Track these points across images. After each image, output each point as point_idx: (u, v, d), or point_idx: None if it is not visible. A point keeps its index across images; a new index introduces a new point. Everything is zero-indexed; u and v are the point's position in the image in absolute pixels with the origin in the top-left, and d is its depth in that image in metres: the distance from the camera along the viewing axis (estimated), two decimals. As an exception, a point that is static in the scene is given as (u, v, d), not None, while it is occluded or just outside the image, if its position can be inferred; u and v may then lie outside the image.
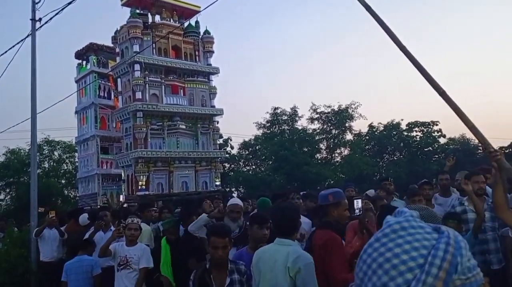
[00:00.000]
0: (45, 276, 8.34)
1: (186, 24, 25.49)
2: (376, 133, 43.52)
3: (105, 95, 26.63)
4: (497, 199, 3.14)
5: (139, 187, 21.57)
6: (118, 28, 24.46)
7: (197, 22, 26.10)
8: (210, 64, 25.73)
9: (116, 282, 5.20)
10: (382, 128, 43.65)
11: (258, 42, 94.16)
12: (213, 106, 25.37)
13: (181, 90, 24.12)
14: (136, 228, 5.30)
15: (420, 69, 3.76)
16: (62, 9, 11.19)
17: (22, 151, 34.82)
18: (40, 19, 11.59)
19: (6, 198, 36.05)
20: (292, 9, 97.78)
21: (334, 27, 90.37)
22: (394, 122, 42.80)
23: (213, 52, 25.91)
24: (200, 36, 25.79)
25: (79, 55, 27.52)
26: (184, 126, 23.97)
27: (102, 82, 26.37)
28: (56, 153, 37.42)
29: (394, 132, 42.90)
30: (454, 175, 6.41)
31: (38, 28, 11.31)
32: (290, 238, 3.13)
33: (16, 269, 8.53)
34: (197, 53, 25.35)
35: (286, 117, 37.99)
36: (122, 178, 23.71)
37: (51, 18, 11.43)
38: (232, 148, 40.27)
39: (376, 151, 43.59)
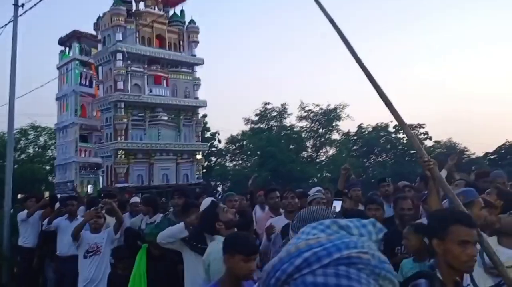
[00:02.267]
0: (23, 261, 8.61)
1: (171, 12, 25.46)
2: (364, 134, 44.38)
3: (87, 83, 26.82)
4: (431, 207, 3.27)
5: (118, 179, 21.74)
6: (101, 15, 24.38)
7: (182, 11, 26.07)
8: (195, 55, 25.78)
9: (83, 269, 5.41)
10: (371, 129, 44.53)
11: (247, 33, 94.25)
12: (197, 98, 25.41)
13: (164, 81, 24.20)
14: (100, 216, 5.59)
15: (371, 80, 4.27)
16: (46, -6, 11.36)
17: (5, 135, 34.92)
18: (23, 5, 11.78)
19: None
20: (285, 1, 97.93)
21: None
22: (383, 124, 43.76)
23: (198, 42, 25.92)
24: (185, 26, 25.73)
25: (62, 42, 27.68)
26: (166, 118, 24.09)
27: (84, 70, 26.53)
28: (41, 139, 37.71)
29: (382, 134, 43.80)
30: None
31: (21, 14, 11.47)
32: (218, 234, 3.52)
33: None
34: (181, 43, 25.37)
35: (275, 114, 38.55)
36: (102, 169, 23.89)
37: (35, 4, 11.58)
38: (219, 141, 40.72)
39: (363, 151, 44.43)
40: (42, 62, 77.08)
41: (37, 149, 37.85)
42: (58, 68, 27.57)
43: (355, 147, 44.47)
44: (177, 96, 24.59)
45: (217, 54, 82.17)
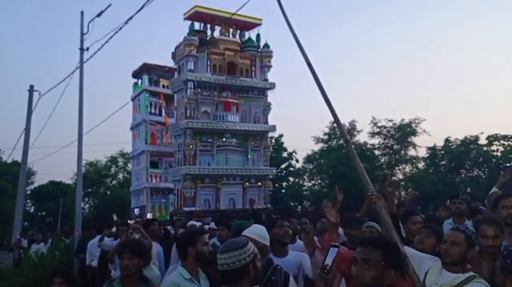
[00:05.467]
0: (90, 280, 10.02)
1: (247, 36, 26.36)
2: (452, 147, 42.81)
3: (156, 112, 29.21)
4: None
5: (186, 203, 23.22)
6: (178, 44, 25.84)
7: (258, 35, 26.78)
8: (267, 79, 26.23)
9: None
10: (459, 143, 42.87)
11: (321, 51, 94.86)
12: (266, 123, 26.00)
13: (234, 107, 25.12)
14: None
15: (335, 117, 4.85)
16: (110, 37, 12.75)
17: (99, 163, 39.26)
18: (87, 49, 13.47)
19: (85, 207, 40.60)
20: (356, 19, 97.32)
21: (398, 36, 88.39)
22: (472, 137, 42.01)
23: (270, 66, 26.32)
24: (259, 50, 26.30)
25: (135, 74, 30.61)
26: (234, 143, 25.06)
27: (154, 99, 28.94)
28: (129, 165, 41.38)
29: (472, 147, 41.98)
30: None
31: (87, 59, 13.18)
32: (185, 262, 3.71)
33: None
34: (253, 68, 25.91)
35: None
36: (174, 192, 25.57)
37: (102, 46, 13.04)
38: (297, 161, 41.53)
39: (452, 167, 42.79)
40: (123, 94, 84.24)
41: (126, 175, 41.55)
42: (132, 99, 30.30)
43: (442, 162, 42.99)
44: (246, 121, 25.32)
45: (291, 72, 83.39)
